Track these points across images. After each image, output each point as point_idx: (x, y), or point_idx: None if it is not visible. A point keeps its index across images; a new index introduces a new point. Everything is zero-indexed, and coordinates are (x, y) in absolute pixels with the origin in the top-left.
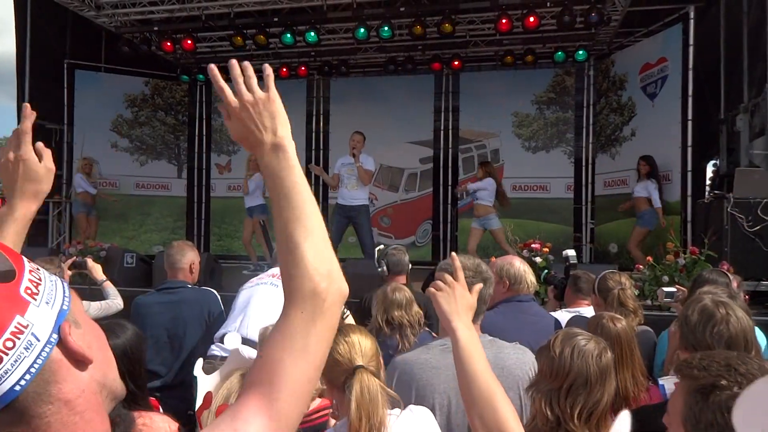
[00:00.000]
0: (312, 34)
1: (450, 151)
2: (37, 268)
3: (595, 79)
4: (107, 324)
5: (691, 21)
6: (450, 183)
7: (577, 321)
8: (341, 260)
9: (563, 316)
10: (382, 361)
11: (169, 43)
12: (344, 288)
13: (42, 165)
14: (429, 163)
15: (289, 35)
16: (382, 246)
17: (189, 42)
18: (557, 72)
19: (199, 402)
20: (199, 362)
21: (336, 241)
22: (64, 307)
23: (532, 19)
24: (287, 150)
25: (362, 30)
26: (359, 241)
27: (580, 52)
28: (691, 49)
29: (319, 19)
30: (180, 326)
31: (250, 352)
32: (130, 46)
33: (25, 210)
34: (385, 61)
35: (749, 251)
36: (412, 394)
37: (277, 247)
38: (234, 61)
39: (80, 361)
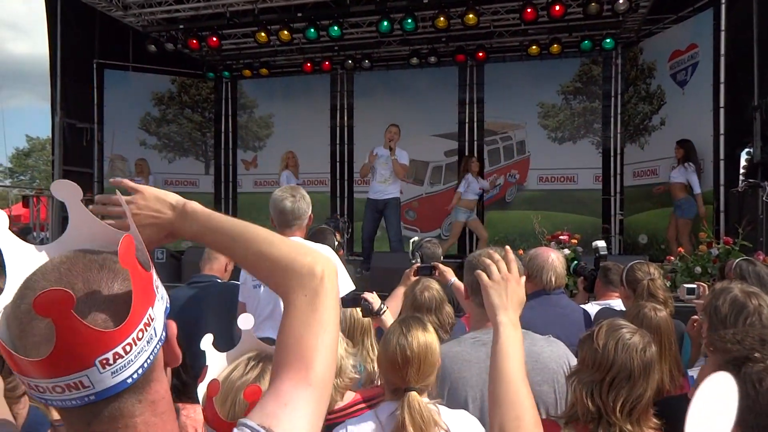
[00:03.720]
0: (335, 28)
1: (475, 143)
2: (154, 271)
3: (623, 68)
4: None
5: (723, 6)
6: None
7: (605, 313)
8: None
9: (592, 308)
10: (438, 361)
11: (194, 41)
12: (330, 260)
13: None
14: (454, 156)
15: (312, 30)
16: (416, 238)
17: (214, 39)
18: (584, 61)
19: (204, 381)
20: (209, 337)
21: (370, 234)
22: (167, 304)
23: (557, 7)
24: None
25: (385, 23)
26: (387, 234)
27: (608, 41)
28: (722, 35)
29: (342, 14)
30: (207, 318)
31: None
32: (157, 45)
33: None
34: (409, 54)
35: None
36: (446, 387)
37: (250, 267)
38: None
39: (170, 363)
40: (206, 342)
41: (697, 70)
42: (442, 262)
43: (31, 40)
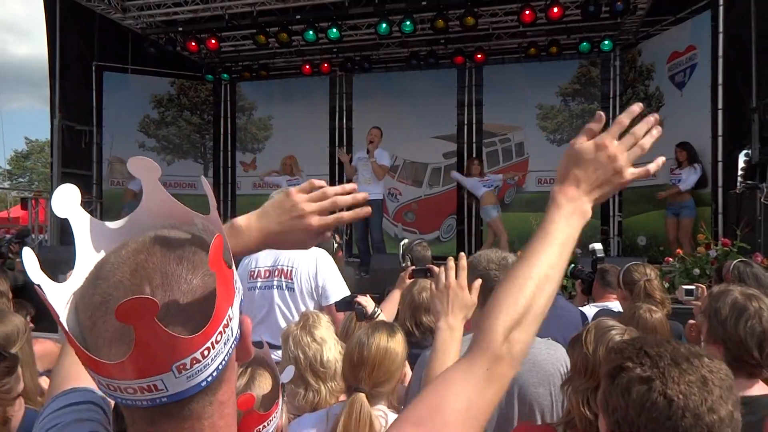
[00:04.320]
0: (334, 30)
1: (474, 145)
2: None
3: (621, 70)
4: None
5: (721, 8)
6: None
7: (602, 315)
8: (369, 257)
9: (590, 310)
10: (406, 371)
11: (193, 43)
12: (517, 368)
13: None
14: (453, 158)
15: (311, 32)
16: (406, 240)
17: (213, 41)
18: (582, 63)
19: None
20: None
21: (362, 234)
22: (242, 297)
23: (555, 9)
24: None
25: (384, 25)
26: (369, 235)
27: (606, 42)
28: (720, 37)
29: (340, 16)
30: None
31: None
32: (156, 47)
33: None
34: (408, 56)
35: None
36: None
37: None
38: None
39: (241, 359)
40: None
41: (695, 72)
42: (440, 264)
43: (30, 42)
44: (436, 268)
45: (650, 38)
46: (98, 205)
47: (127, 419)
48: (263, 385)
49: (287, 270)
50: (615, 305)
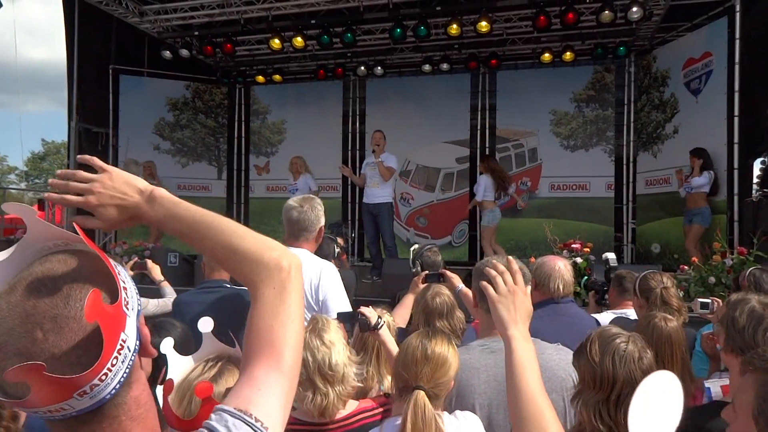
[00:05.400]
0: (348, 35)
1: (487, 150)
2: (119, 272)
3: (636, 76)
4: (159, 322)
5: (737, 14)
6: None
7: (619, 323)
8: (381, 260)
9: (606, 317)
10: (451, 382)
11: (209, 47)
12: (296, 256)
13: None
14: (466, 163)
15: (326, 37)
16: (416, 246)
17: (228, 46)
18: (596, 69)
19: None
20: (169, 341)
21: (373, 238)
22: (139, 307)
23: (570, 15)
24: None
25: (398, 30)
26: (381, 239)
27: (621, 48)
28: (737, 43)
29: (355, 20)
30: (219, 324)
31: None
32: (172, 51)
33: None
34: (421, 61)
35: None
36: (453, 394)
37: (218, 258)
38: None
39: (146, 359)
40: (166, 345)
41: (711, 78)
42: (452, 269)
43: (48, 45)
44: (449, 273)
45: (666, 44)
46: None
47: (49, 426)
48: (230, 379)
49: None
50: (632, 312)
